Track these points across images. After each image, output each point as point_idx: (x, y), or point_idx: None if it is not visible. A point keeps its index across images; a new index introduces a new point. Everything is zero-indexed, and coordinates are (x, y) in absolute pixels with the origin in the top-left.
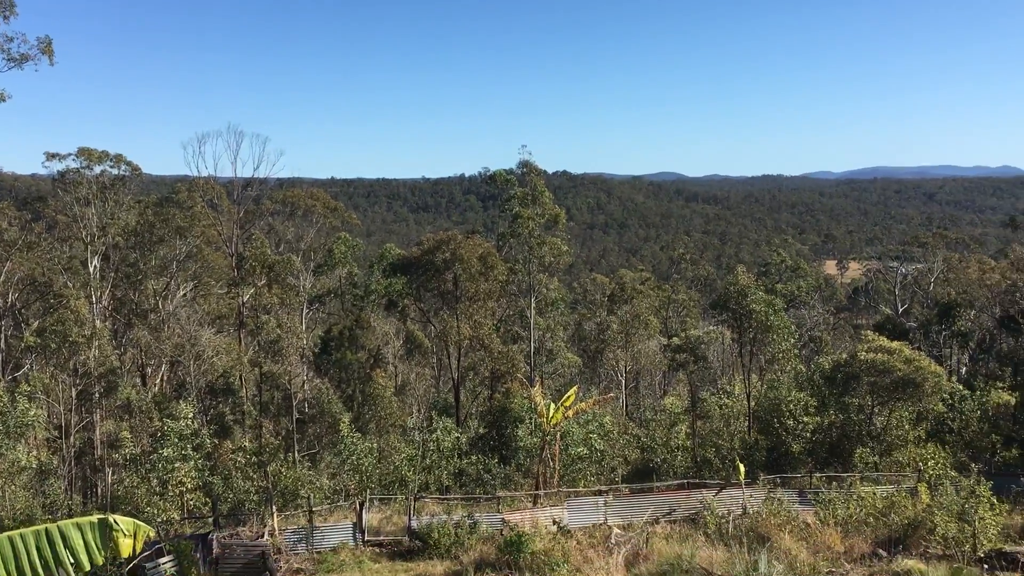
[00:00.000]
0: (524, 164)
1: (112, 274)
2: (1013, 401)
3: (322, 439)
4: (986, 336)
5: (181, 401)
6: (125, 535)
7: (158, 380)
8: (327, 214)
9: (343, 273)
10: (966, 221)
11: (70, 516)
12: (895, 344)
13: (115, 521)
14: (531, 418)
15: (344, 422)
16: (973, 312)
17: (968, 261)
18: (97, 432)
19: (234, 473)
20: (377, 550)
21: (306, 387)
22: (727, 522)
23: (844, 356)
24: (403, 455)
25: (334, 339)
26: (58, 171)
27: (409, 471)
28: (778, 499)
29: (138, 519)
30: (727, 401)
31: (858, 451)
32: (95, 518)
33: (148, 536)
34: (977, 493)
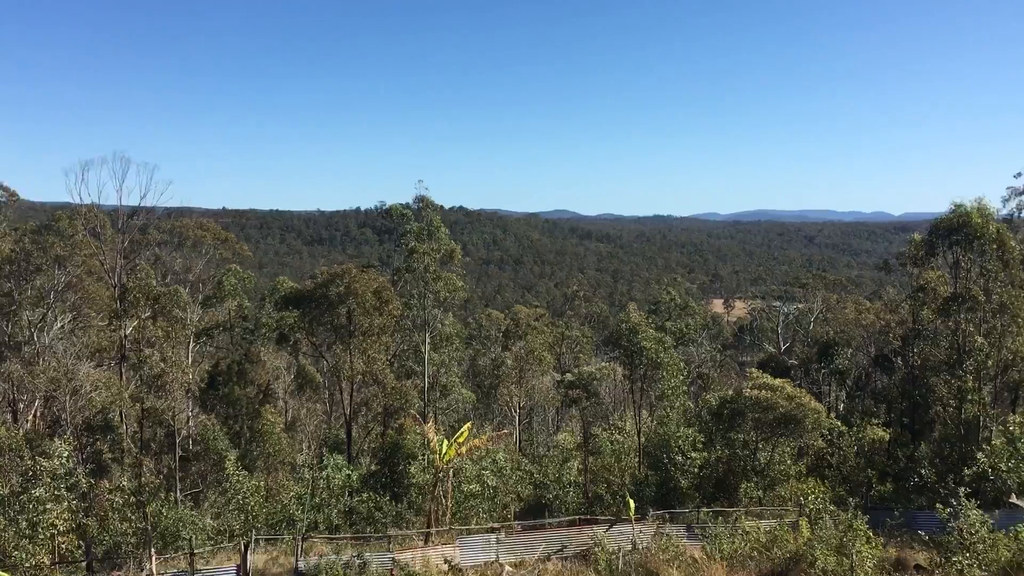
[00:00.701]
0: (420, 199)
1: None
2: (887, 437)
3: (207, 477)
4: (862, 374)
5: (55, 439)
6: None
7: (31, 417)
8: (217, 245)
9: (233, 306)
10: (843, 263)
11: None
12: (778, 381)
13: None
14: (424, 454)
15: (230, 459)
16: (850, 351)
17: (845, 302)
18: None
19: (111, 514)
20: None
21: (191, 423)
22: (617, 558)
23: (730, 393)
24: (292, 493)
25: (222, 374)
26: None
27: (297, 510)
28: (667, 534)
29: (4, 564)
30: (618, 437)
31: (743, 486)
32: None
33: None
34: (854, 527)
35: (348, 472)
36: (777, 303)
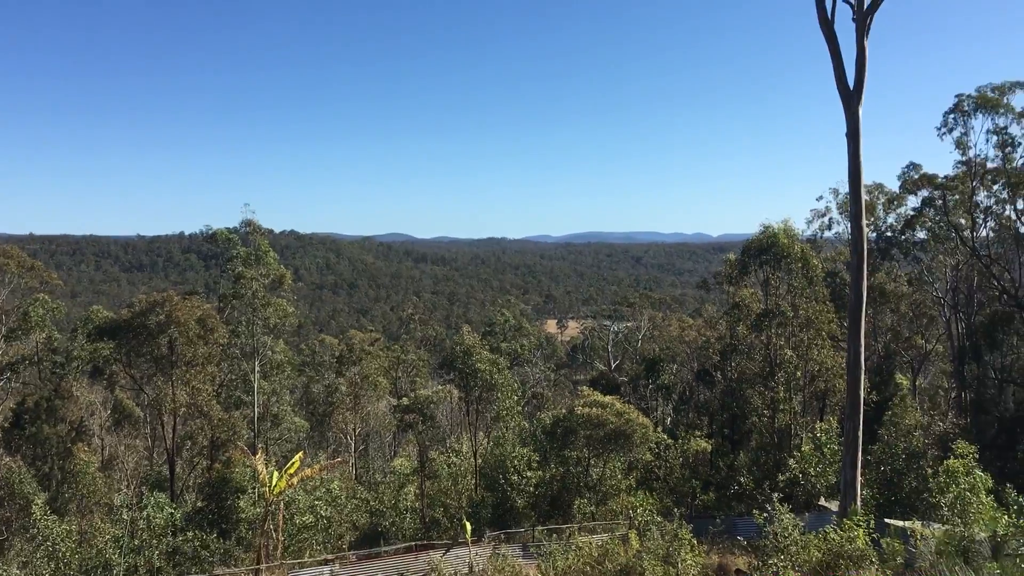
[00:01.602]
0: (248, 223)
1: None
2: (709, 448)
3: (12, 524)
4: (686, 388)
5: None
6: None
7: None
8: (22, 273)
9: (41, 338)
10: (668, 282)
11: None
12: (608, 398)
13: None
14: (254, 488)
15: (38, 503)
16: (675, 366)
17: (670, 319)
18: None
19: None
20: None
21: None
22: None
23: (563, 411)
24: (108, 536)
25: (28, 411)
26: None
27: (114, 554)
28: (503, 555)
29: None
30: (455, 460)
31: (577, 502)
32: None
33: None
34: (679, 536)
35: (171, 510)
36: (607, 322)
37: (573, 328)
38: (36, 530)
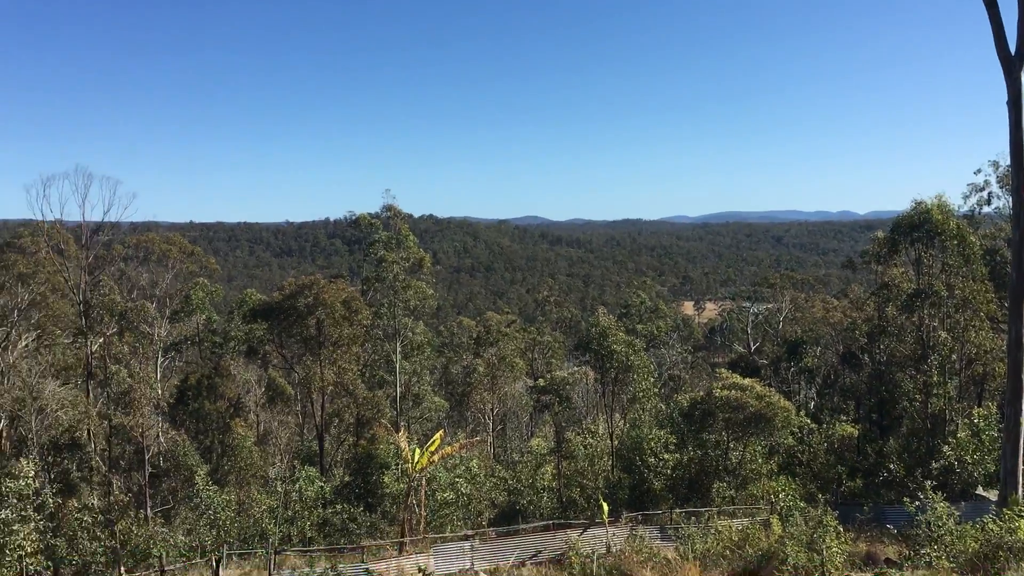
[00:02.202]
0: (389, 208)
1: None
2: (856, 433)
3: (177, 493)
4: (831, 372)
5: (21, 458)
6: None
7: None
8: (184, 259)
9: (201, 320)
10: (811, 263)
11: None
12: (747, 381)
13: None
14: (397, 464)
15: (201, 475)
16: (818, 349)
17: (813, 301)
18: None
19: (79, 534)
20: None
21: (160, 439)
22: (592, 562)
23: (701, 394)
24: (264, 507)
25: (191, 388)
26: None
27: (270, 523)
28: (640, 536)
29: None
30: (591, 441)
31: (716, 485)
32: None
33: None
34: (824, 523)
35: (321, 484)
36: (746, 303)
37: (711, 310)
38: (199, 499)
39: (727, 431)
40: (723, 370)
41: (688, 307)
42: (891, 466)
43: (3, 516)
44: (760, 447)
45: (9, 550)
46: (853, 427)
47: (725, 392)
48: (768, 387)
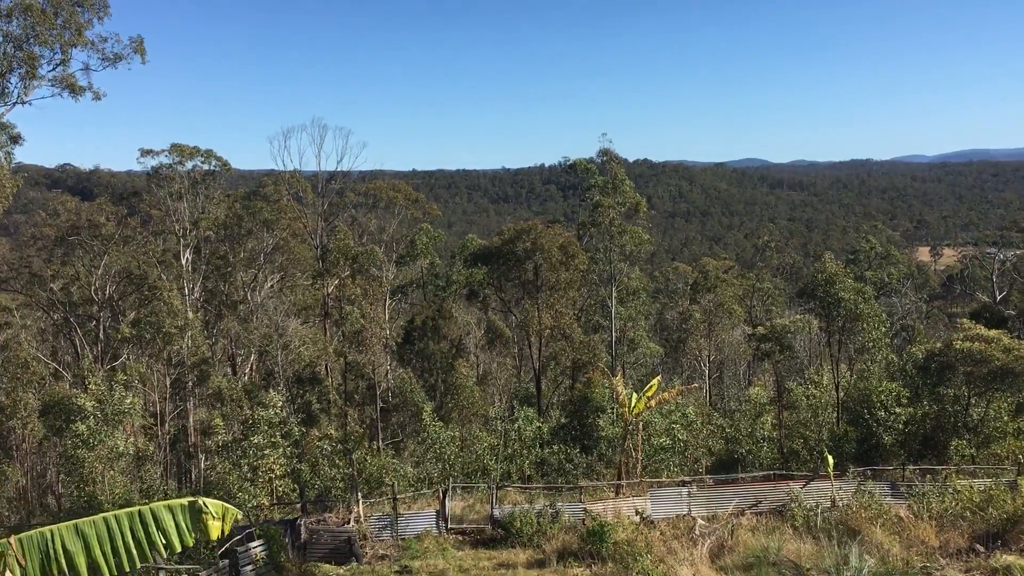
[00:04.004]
0: (604, 152)
1: (203, 266)
2: None
3: (405, 428)
4: None
5: (270, 390)
6: (214, 518)
7: (247, 370)
8: (409, 206)
9: (425, 264)
10: None
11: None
12: (993, 333)
13: (204, 504)
14: (613, 408)
15: (427, 411)
16: None
17: None
18: (191, 420)
19: (321, 461)
20: (460, 538)
21: (389, 376)
22: (815, 515)
23: (938, 345)
24: (485, 444)
25: (416, 329)
26: (152, 167)
27: (491, 460)
28: (869, 492)
29: (229, 504)
30: (814, 391)
31: (953, 443)
32: (185, 501)
33: (236, 519)
34: None
35: (538, 424)
36: (992, 249)
37: (949, 256)
38: (426, 434)
39: (968, 386)
40: (964, 321)
41: (924, 253)
42: None
43: (256, 441)
44: (1007, 404)
45: (261, 472)
46: None
47: (967, 344)
48: (1017, 339)
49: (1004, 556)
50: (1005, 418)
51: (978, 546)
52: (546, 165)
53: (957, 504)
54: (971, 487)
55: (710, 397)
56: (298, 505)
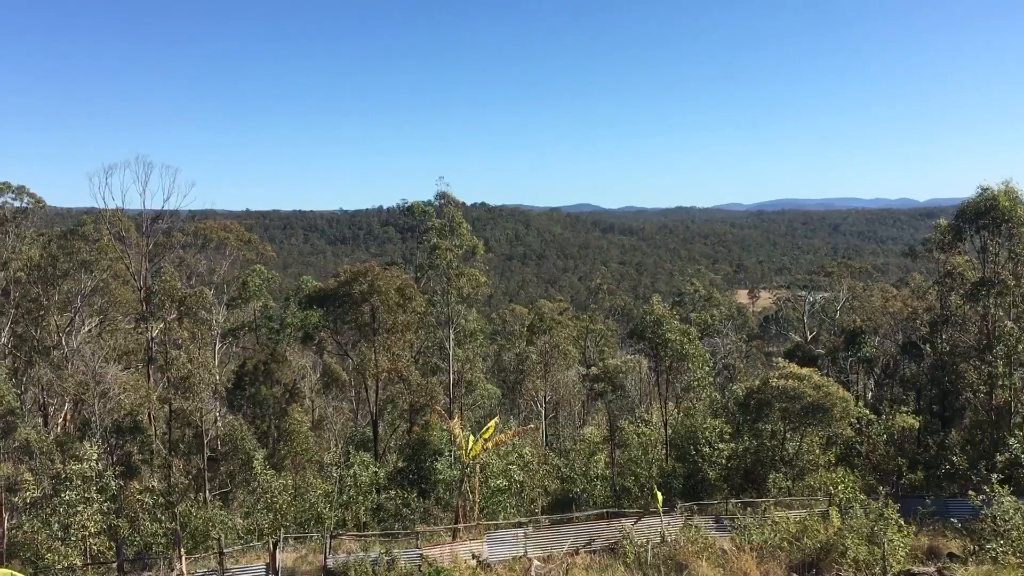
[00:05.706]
0: (442, 195)
1: (12, 310)
2: (917, 425)
3: (235, 477)
4: (890, 362)
5: (85, 441)
6: None
7: (61, 419)
8: (241, 246)
9: (258, 306)
10: (868, 251)
11: None
12: (805, 370)
13: None
14: (451, 451)
15: (258, 459)
16: (877, 338)
17: (872, 290)
18: None
19: (141, 515)
20: None
21: (219, 424)
22: (646, 551)
23: (756, 383)
24: (319, 491)
25: (248, 374)
26: None
27: (325, 508)
28: (695, 526)
29: (37, 567)
30: (645, 430)
31: (772, 476)
32: None
33: None
34: (885, 516)
35: (375, 469)
36: (803, 292)
37: (765, 298)
38: (256, 483)
39: (784, 421)
40: (779, 359)
41: (742, 296)
42: (954, 458)
43: (68, 497)
44: (818, 438)
45: (73, 530)
46: (914, 418)
47: (781, 381)
48: (826, 377)
49: None
50: (817, 451)
51: (795, 575)
52: (384, 207)
53: (775, 535)
54: (787, 518)
55: (546, 437)
56: (114, 564)
